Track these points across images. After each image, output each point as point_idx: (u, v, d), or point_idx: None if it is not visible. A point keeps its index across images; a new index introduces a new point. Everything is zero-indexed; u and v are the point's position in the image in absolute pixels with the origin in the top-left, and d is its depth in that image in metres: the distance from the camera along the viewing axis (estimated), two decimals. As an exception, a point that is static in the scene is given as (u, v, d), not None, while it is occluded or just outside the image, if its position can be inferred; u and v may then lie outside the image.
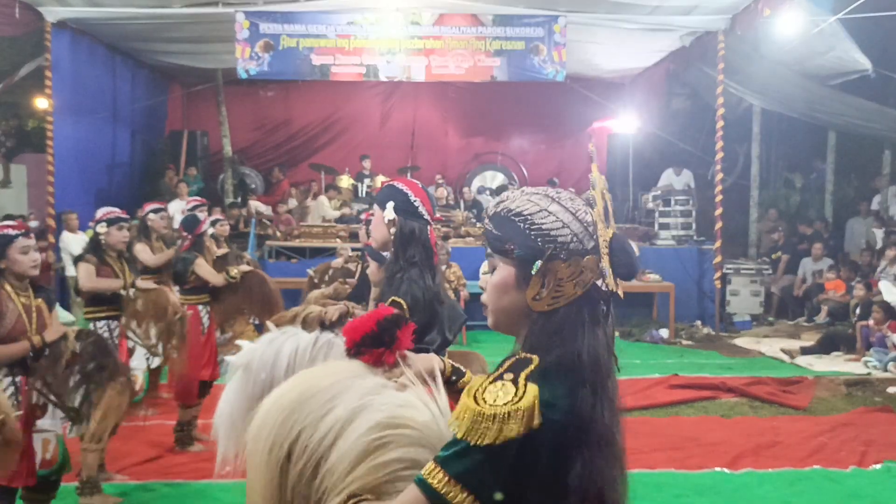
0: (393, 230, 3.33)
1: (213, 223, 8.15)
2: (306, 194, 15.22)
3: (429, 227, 3.39)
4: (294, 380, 1.86)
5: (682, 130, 15.77)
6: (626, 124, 16.02)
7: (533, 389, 1.56)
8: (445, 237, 12.83)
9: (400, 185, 3.42)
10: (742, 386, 8.45)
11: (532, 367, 1.61)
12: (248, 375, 3.03)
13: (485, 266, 12.52)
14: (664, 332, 11.98)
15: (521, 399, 1.55)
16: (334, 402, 1.74)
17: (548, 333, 1.67)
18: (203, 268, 6.55)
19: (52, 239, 12.21)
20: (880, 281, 11.34)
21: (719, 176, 12.91)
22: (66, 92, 12.56)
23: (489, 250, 1.84)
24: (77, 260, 5.92)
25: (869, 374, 9.31)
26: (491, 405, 1.54)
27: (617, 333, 11.25)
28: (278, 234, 13.67)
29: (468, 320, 12.00)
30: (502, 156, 17.48)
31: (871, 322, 10.27)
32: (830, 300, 12.45)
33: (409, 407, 1.73)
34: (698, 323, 12.56)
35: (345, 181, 15.15)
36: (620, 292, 1.73)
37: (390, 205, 3.32)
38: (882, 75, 12.41)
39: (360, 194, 15.47)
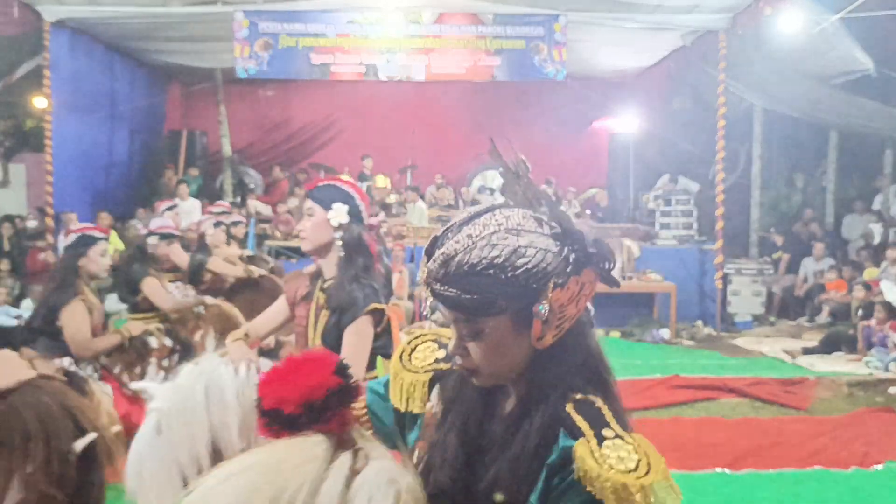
0: (339, 234, 3.15)
1: (235, 224, 8.20)
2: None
3: (368, 234, 3.29)
4: (242, 480, 1.36)
5: (683, 130, 15.72)
6: (626, 124, 16.02)
7: (659, 460, 1.50)
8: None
9: (346, 187, 3.25)
10: (743, 386, 8.44)
11: (606, 413, 1.53)
12: (163, 424, 2.26)
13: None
14: (665, 333, 11.96)
15: (649, 469, 1.47)
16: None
17: (568, 366, 1.56)
18: (218, 263, 6.53)
19: (51, 239, 12.20)
20: (881, 281, 11.31)
21: (720, 176, 12.89)
22: (64, 91, 12.54)
23: (457, 315, 1.55)
24: (140, 275, 5.80)
25: (870, 374, 9.29)
26: (649, 478, 1.44)
27: (618, 334, 11.34)
28: (277, 233, 13.66)
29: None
30: (502, 155, 17.44)
31: (872, 322, 10.24)
32: (832, 300, 12.42)
33: (401, 477, 1.46)
34: (699, 323, 12.54)
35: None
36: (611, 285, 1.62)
37: (342, 207, 3.14)
38: (884, 74, 12.36)
39: (360, 194, 15.44)
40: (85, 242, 4.72)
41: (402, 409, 1.76)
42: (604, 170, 17.24)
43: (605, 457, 1.43)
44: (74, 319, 4.52)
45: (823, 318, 12.46)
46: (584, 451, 1.45)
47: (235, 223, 7.84)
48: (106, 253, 4.75)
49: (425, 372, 1.76)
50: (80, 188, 13.23)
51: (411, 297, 11.66)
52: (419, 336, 1.79)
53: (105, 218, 12.57)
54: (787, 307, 13.75)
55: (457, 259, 1.50)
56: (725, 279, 12.77)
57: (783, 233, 14.77)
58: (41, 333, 4.64)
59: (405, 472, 1.44)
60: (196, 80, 16.21)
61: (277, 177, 16.02)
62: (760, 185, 15.47)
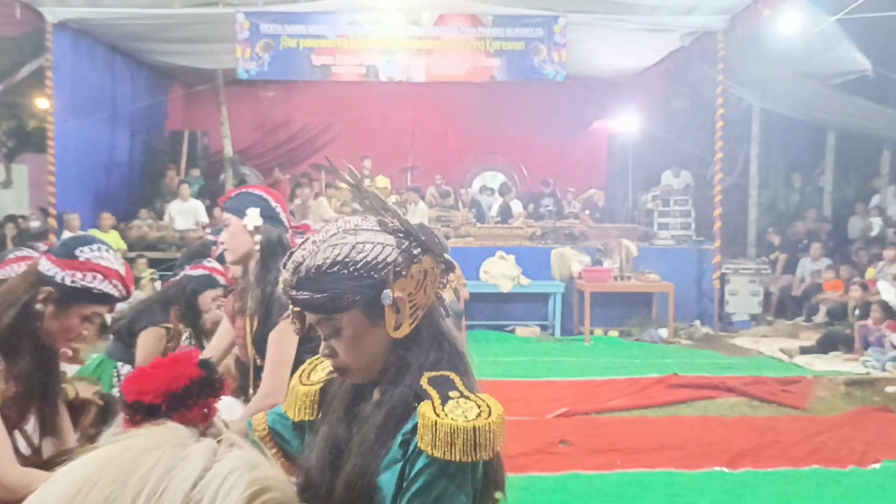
0: (257, 238, 3.12)
1: None
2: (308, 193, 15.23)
3: (288, 235, 3.22)
4: (81, 470, 1.15)
5: (682, 130, 15.77)
6: (625, 124, 16.07)
7: (496, 403, 1.56)
8: (445, 237, 12.83)
9: (257, 192, 3.23)
10: (741, 385, 8.48)
11: (456, 380, 1.59)
12: None
13: (485, 266, 12.56)
14: (663, 332, 12.01)
15: (495, 408, 1.55)
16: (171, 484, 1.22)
17: (423, 350, 1.63)
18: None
19: (53, 239, 12.24)
20: (878, 281, 11.37)
21: (718, 176, 12.95)
22: (66, 92, 12.59)
23: (318, 317, 1.66)
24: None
25: (868, 373, 9.33)
26: (483, 419, 1.51)
27: (616, 333, 11.38)
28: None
29: (469, 320, 12.11)
30: (502, 156, 17.51)
31: (869, 322, 10.29)
32: (829, 300, 12.46)
33: (261, 465, 1.33)
34: (697, 322, 12.59)
35: (344, 181, 15.14)
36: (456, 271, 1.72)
37: (255, 211, 3.11)
38: (881, 75, 12.42)
39: (360, 194, 15.47)
40: (209, 283, 4.61)
41: (295, 419, 1.87)
42: (603, 170, 17.29)
43: (446, 410, 1.53)
44: (149, 344, 4.38)
45: (821, 317, 12.50)
46: (426, 408, 1.55)
47: None
48: (217, 299, 4.65)
49: (319, 383, 1.88)
50: (83, 188, 13.27)
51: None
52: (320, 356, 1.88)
53: (107, 218, 12.63)
54: (784, 307, 13.80)
55: (304, 264, 1.62)
56: (723, 279, 12.83)
57: (780, 232, 14.82)
58: (118, 336, 4.54)
59: (268, 463, 1.44)
60: (197, 81, 16.24)
61: (278, 177, 16.05)
62: (758, 186, 15.53)
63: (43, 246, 3.31)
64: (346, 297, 1.60)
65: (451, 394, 1.57)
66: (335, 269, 1.60)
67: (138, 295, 8.71)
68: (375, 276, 1.60)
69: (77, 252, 2.35)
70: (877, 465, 6.17)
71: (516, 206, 15.07)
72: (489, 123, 17.43)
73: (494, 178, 17.16)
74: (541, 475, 5.86)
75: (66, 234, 12.01)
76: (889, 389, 8.62)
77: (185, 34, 13.17)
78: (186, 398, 1.61)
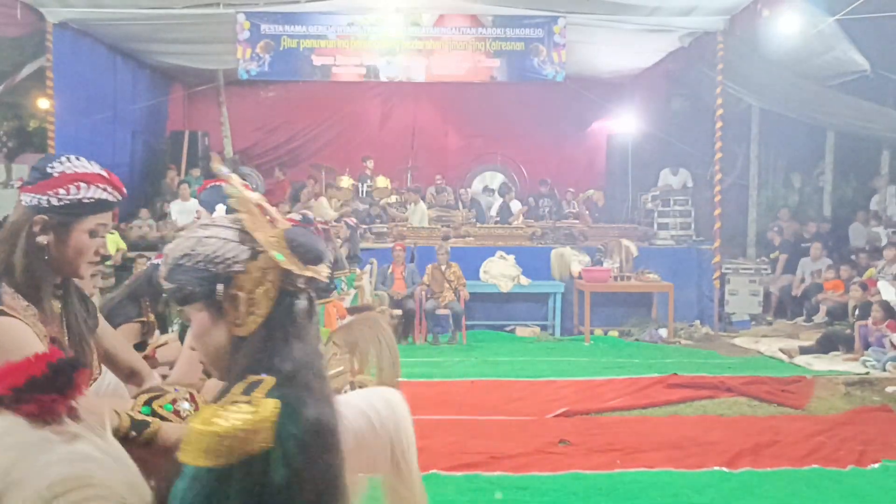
0: None
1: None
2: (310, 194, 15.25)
3: None
4: None
5: (681, 131, 15.79)
6: (625, 125, 16.09)
7: (271, 402, 1.50)
8: (445, 237, 12.88)
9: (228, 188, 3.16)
10: (741, 385, 8.50)
11: (267, 385, 1.54)
12: None
13: (485, 266, 12.59)
14: (663, 332, 12.03)
15: (258, 413, 1.47)
16: None
17: (260, 350, 1.60)
18: None
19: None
20: (878, 281, 11.39)
21: (718, 176, 12.96)
22: (67, 92, 12.59)
23: (180, 309, 1.72)
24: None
25: (867, 373, 9.34)
26: (225, 424, 1.45)
27: (616, 333, 11.42)
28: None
29: (469, 320, 12.14)
30: (502, 156, 17.53)
31: (869, 322, 10.31)
32: (829, 300, 12.48)
33: (87, 461, 1.49)
34: (697, 322, 12.61)
35: (345, 181, 15.18)
36: (319, 276, 1.69)
37: (223, 207, 2.97)
38: (880, 76, 12.44)
39: (360, 194, 15.52)
40: None
41: None
42: (602, 170, 17.30)
43: (212, 414, 1.49)
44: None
45: (820, 317, 12.51)
46: (202, 412, 1.55)
47: None
48: None
49: None
50: (83, 189, 13.26)
51: (411, 296, 11.76)
52: None
53: (108, 218, 12.62)
54: (784, 307, 13.82)
55: (170, 257, 1.68)
56: (723, 279, 12.85)
57: (780, 231, 14.85)
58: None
59: (112, 463, 1.51)
60: (198, 82, 16.26)
61: (279, 177, 16.07)
62: (758, 186, 15.57)
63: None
64: (188, 289, 1.64)
65: (243, 397, 1.53)
66: (182, 261, 1.65)
67: None
68: (213, 269, 1.62)
69: (49, 170, 2.21)
70: (876, 465, 6.18)
71: (516, 207, 15.09)
72: (489, 123, 17.44)
73: (494, 178, 17.16)
74: (540, 475, 5.89)
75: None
76: (889, 389, 8.65)
77: (186, 34, 13.18)
78: (28, 392, 1.57)
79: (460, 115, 17.59)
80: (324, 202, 14.18)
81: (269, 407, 1.49)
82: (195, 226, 1.72)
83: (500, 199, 15.59)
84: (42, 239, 2.20)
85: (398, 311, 11.71)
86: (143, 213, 13.83)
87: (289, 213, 13.13)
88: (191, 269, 1.64)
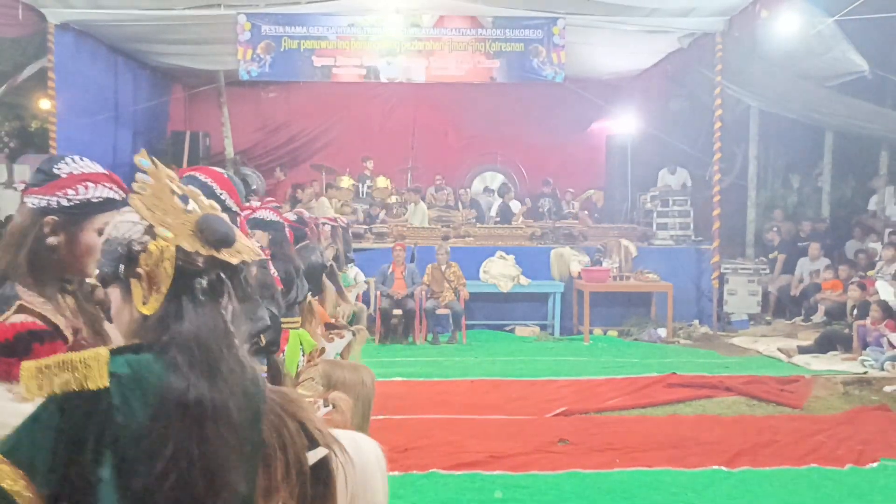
0: None
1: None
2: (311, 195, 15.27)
3: (238, 219, 3.15)
4: None
5: (680, 131, 15.81)
6: (624, 125, 16.12)
7: (101, 350, 1.62)
8: (445, 237, 12.92)
9: (203, 177, 3.13)
10: (740, 385, 8.53)
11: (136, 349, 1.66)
12: None
13: (485, 266, 12.62)
14: (662, 332, 12.06)
15: (82, 353, 1.60)
16: None
17: (153, 324, 1.67)
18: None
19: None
20: (876, 281, 11.42)
21: (717, 176, 12.98)
22: (68, 93, 12.60)
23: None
24: None
25: (866, 372, 9.38)
26: (48, 361, 1.58)
27: (615, 333, 11.44)
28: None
29: (469, 320, 12.17)
30: (502, 156, 17.56)
31: (868, 321, 10.33)
32: (827, 300, 12.51)
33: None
34: (696, 322, 12.64)
35: (345, 181, 15.21)
36: (232, 259, 1.74)
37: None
38: (879, 76, 12.47)
39: (360, 195, 15.56)
40: None
41: None
42: (602, 171, 17.32)
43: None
44: None
45: (819, 317, 12.55)
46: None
47: None
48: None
49: None
50: (84, 189, 13.29)
51: (411, 296, 11.79)
52: None
53: (109, 218, 12.65)
54: (783, 307, 13.86)
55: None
56: (722, 279, 12.87)
57: (779, 231, 14.89)
58: None
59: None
60: (199, 82, 16.27)
61: (279, 178, 16.10)
62: (757, 186, 15.59)
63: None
64: (103, 270, 1.75)
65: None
66: (104, 246, 1.77)
67: None
68: (121, 250, 1.71)
69: (55, 171, 2.23)
70: (874, 465, 6.21)
71: (516, 207, 15.13)
72: (489, 124, 17.47)
73: (494, 178, 17.20)
74: (540, 474, 5.92)
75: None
76: (887, 389, 8.68)
77: (187, 35, 13.21)
78: (5, 351, 1.85)
79: (460, 116, 17.61)
80: (324, 202, 14.20)
81: (95, 352, 1.61)
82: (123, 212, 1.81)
83: (500, 199, 15.62)
84: (52, 240, 2.21)
85: (398, 311, 11.76)
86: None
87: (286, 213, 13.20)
88: (106, 251, 1.75)
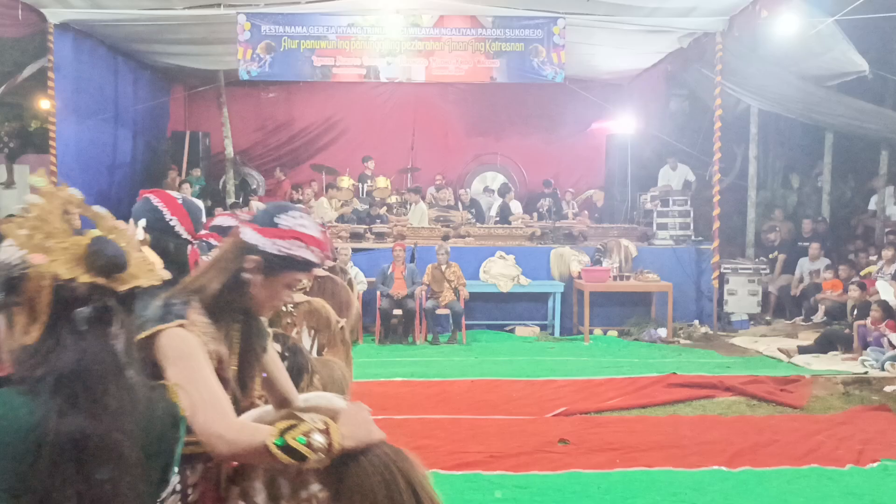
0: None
1: None
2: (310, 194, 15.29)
3: (189, 247, 3.08)
4: None
5: (680, 131, 15.84)
6: (624, 125, 16.11)
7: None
8: (445, 237, 12.92)
9: (155, 201, 3.08)
10: (740, 385, 8.51)
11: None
12: None
13: (485, 266, 12.62)
14: (662, 332, 12.06)
15: None
16: None
17: (29, 356, 1.59)
18: None
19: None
20: (877, 280, 11.42)
21: (717, 176, 12.99)
22: (68, 93, 12.63)
23: None
24: None
25: (866, 372, 9.37)
26: None
27: (615, 333, 11.42)
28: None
29: (469, 319, 12.17)
30: (502, 156, 17.57)
31: (868, 321, 10.33)
32: (828, 300, 12.52)
33: None
34: (696, 322, 12.64)
35: (345, 182, 15.22)
36: (119, 286, 1.67)
37: (142, 221, 3.02)
38: (879, 76, 12.48)
39: (361, 195, 15.56)
40: None
41: None
42: (602, 171, 17.33)
43: None
44: None
45: (819, 317, 12.56)
46: None
47: None
48: None
49: None
50: (84, 189, 13.22)
51: (411, 296, 11.78)
52: None
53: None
54: (783, 307, 13.87)
55: None
56: (722, 279, 12.87)
57: (779, 231, 14.89)
58: None
59: None
60: (199, 82, 16.28)
61: (279, 178, 16.11)
62: (757, 186, 15.59)
63: (245, 214, 3.31)
64: None
65: None
66: None
67: None
68: (3, 275, 1.63)
69: (276, 220, 2.38)
70: (875, 464, 6.20)
71: (516, 207, 15.13)
72: (489, 123, 17.50)
73: (494, 178, 17.21)
74: (540, 474, 5.92)
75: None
76: (887, 389, 8.68)
77: (187, 35, 13.22)
78: None
79: (460, 115, 17.64)
80: (324, 202, 14.21)
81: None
82: None
83: (500, 199, 15.62)
84: (249, 276, 2.37)
85: (398, 311, 11.76)
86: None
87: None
88: None
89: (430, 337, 11.87)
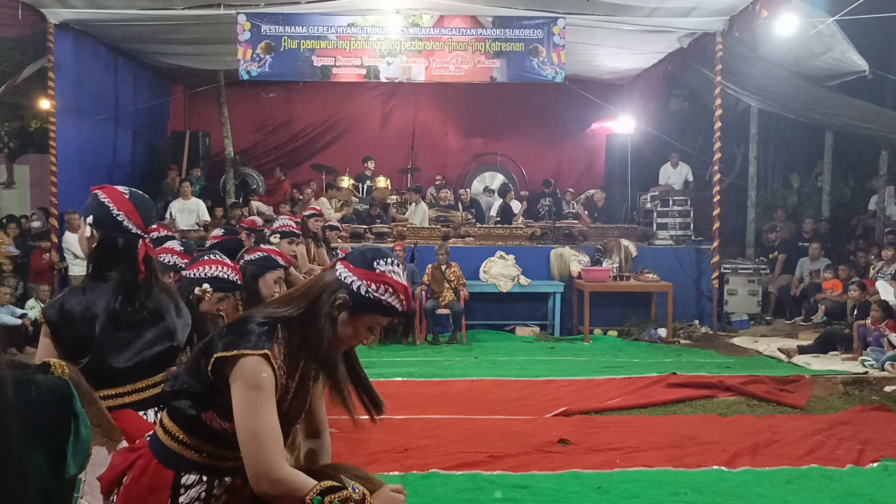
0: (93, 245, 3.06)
1: (310, 217, 8.41)
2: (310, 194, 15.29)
3: (140, 242, 3.10)
4: None
5: (680, 131, 15.84)
6: (624, 125, 16.13)
7: None
8: (445, 237, 12.92)
9: (102, 197, 3.08)
10: (740, 385, 8.52)
11: None
12: None
13: (485, 266, 12.62)
14: (662, 332, 12.06)
15: None
16: None
17: None
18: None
19: (55, 239, 12.31)
20: (877, 281, 11.43)
21: (717, 176, 12.98)
22: (68, 93, 12.62)
23: None
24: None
25: (866, 372, 9.37)
26: None
27: (615, 333, 11.42)
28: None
29: (469, 319, 12.17)
30: (502, 156, 17.57)
31: (868, 321, 10.33)
32: (828, 300, 12.52)
33: None
34: (696, 322, 12.64)
35: (345, 182, 15.23)
36: None
37: (90, 217, 3.04)
38: (879, 76, 12.48)
39: (361, 195, 15.57)
40: (270, 265, 4.69)
41: None
42: (602, 171, 17.36)
43: None
44: None
45: (819, 317, 12.56)
46: None
47: (311, 216, 8.34)
48: (280, 282, 4.68)
49: None
50: (85, 189, 13.06)
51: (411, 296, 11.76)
52: None
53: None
54: (783, 307, 13.88)
55: None
56: (722, 279, 12.88)
57: (779, 231, 14.90)
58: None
59: None
60: (199, 82, 16.27)
61: (279, 178, 16.12)
62: (757, 186, 15.60)
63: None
64: None
65: None
66: None
67: None
68: None
69: (374, 264, 2.43)
70: (875, 464, 6.20)
71: (516, 206, 15.13)
72: (489, 123, 17.51)
73: (494, 178, 17.21)
74: (540, 474, 5.91)
75: (68, 235, 11.99)
76: (887, 389, 8.69)
77: (187, 35, 13.23)
78: None
79: (460, 115, 17.65)
80: (324, 202, 14.21)
81: None
82: None
83: (500, 199, 15.63)
84: (335, 312, 2.39)
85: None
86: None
87: (290, 211, 13.22)
88: None
89: (430, 337, 11.87)
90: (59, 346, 3.04)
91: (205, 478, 2.39)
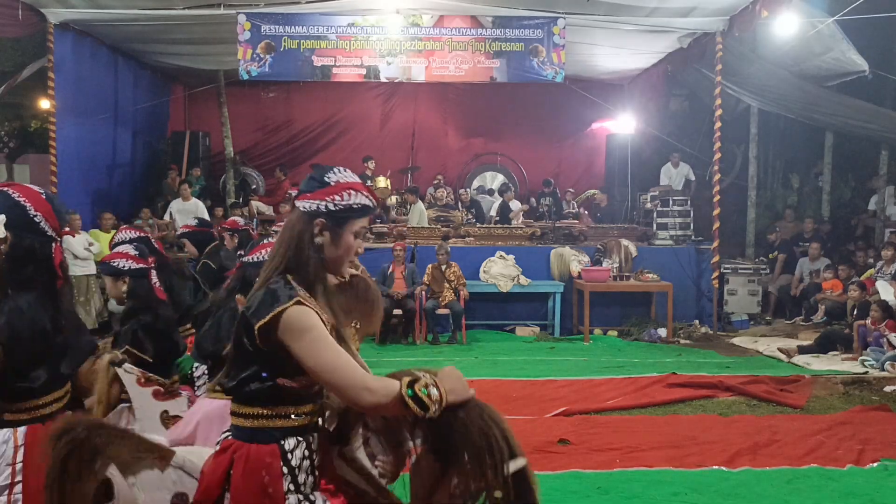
0: (4, 248, 2.90)
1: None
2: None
3: (54, 245, 2.97)
4: None
5: (680, 131, 15.85)
6: (624, 125, 16.13)
7: None
8: (445, 237, 12.91)
9: (17, 197, 2.92)
10: (740, 385, 8.52)
11: None
12: None
13: (485, 266, 12.62)
14: (662, 332, 12.05)
15: None
16: None
17: None
18: None
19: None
20: (876, 281, 11.42)
21: (717, 176, 12.98)
22: (68, 93, 12.62)
23: None
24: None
25: (866, 372, 9.37)
26: None
27: (615, 333, 11.41)
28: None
29: (469, 319, 12.16)
30: (502, 156, 17.57)
31: (868, 321, 10.33)
32: (828, 300, 12.51)
33: None
34: (696, 322, 12.63)
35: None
36: None
37: (1, 219, 2.88)
38: (879, 76, 12.48)
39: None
40: None
41: None
42: (602, 171, 17.36)
43: None
44: None
45: (819, 317, 12.55)
46: None
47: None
48: None
49: None
50: (84, 189, 13.32)
51: (411, 296, 11.77)
52: None
53: (108, 218, 12.67)
54: (783, 307, 13.88)
55: None
56: (722, 279, 12.87)
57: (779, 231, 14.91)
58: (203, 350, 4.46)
59: None
60: (199, 82, 16.28)
61: (279, 178, 16.11)
62: (757, 186, 15.60)
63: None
64: None
65: None
66: None
67: None
68: None
69: (326, 179, 2.52)
70: (875, 464, 6.20)
71: (516, 206, 15.13)
72: (489, 123, 17.51)
73: (494, 178, 17.22)
74: (540, 474, 5.87)
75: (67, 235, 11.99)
76: (887, 389, 8.69)
77: (187, 35, 13.23)
78: None
79: (460, 115, 17.65)
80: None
81: None
82: None
83: (500, 199, 15.63)
84: (320, 239, 2.51)
85: (398, 311, 11.75)
86: (145, 212, 13.86)
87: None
88: None
89: (430, 337, 11.86)
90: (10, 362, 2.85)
91: (300, 438, 2.49)
